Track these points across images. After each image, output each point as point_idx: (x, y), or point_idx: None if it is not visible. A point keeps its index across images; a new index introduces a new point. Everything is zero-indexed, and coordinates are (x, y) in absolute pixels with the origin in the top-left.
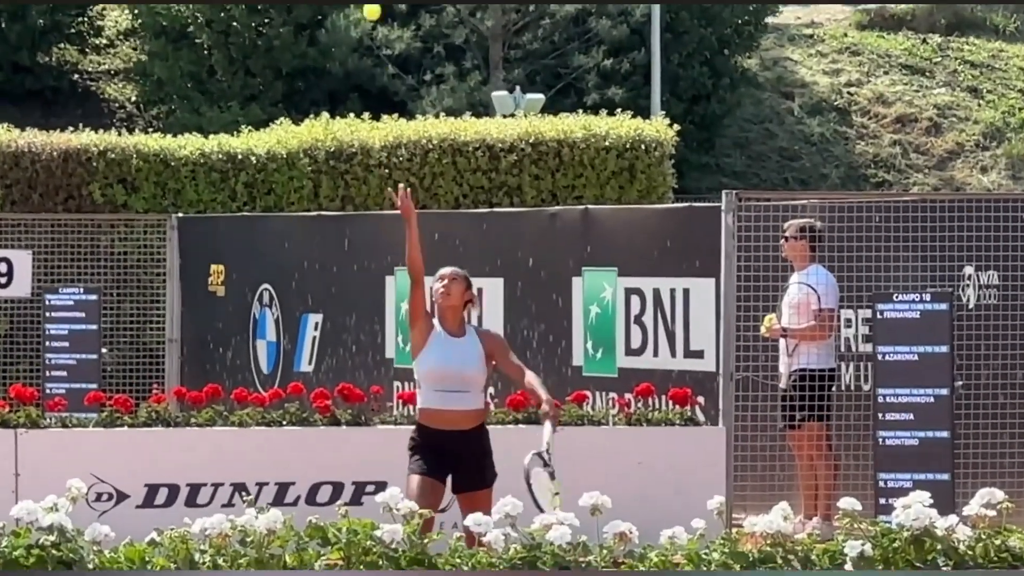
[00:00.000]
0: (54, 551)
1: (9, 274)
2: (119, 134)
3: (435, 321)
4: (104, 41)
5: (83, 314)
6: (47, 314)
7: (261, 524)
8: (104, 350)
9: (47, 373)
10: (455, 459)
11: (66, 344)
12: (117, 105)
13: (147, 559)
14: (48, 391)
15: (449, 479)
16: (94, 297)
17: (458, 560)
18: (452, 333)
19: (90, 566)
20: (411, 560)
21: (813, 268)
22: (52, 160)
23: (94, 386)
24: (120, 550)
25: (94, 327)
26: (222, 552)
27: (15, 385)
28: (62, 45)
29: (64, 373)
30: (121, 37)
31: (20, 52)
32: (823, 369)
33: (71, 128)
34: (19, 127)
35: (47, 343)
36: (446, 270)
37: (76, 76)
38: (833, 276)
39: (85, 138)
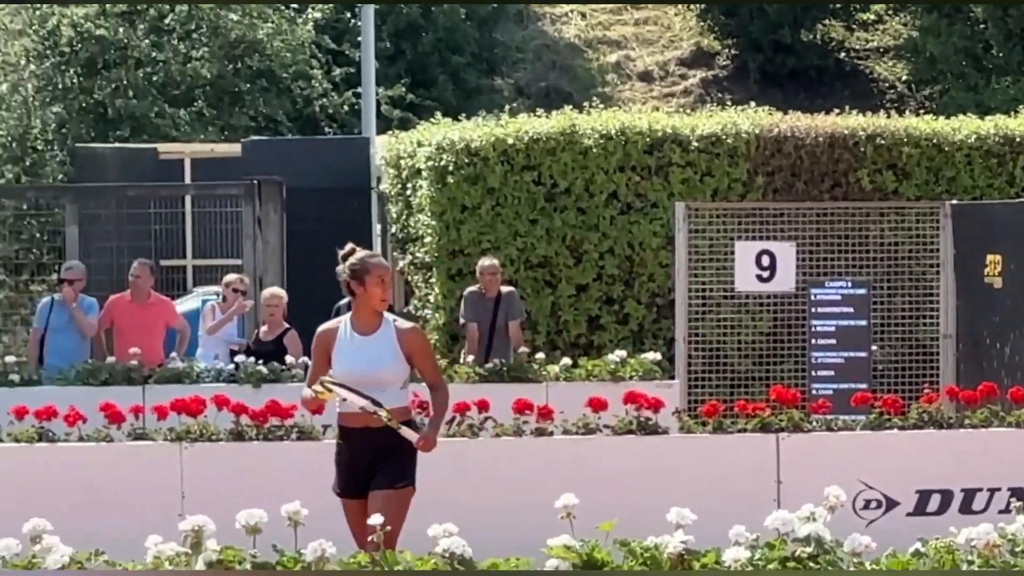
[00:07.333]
0: (811, 563)
1: (772, 267)
2: (888, 116)
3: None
4: (872, 16)
5: (851, 309)
6: (812, 309)
7: None
8: (874, 347)
9: (813, 373)
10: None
11: (833, 341)
12: (887, 85)
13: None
14: (813, 392)
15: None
16: (863, 291)
17: None
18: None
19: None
20: None
21: None
22: (817, 145)
23: (863, 386)
24: (882, 561)
25: (863, 323)
26: (991, 563)
27: (776, 387)
28: (827, 21)
29: (831, 372)
30: (890, 12)
31: (781, 30)
32: None
33: (836, 110)
34: (782, 110)
35: (813, 340)
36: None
37: (842, 54)
38: None
39: (852, 121)
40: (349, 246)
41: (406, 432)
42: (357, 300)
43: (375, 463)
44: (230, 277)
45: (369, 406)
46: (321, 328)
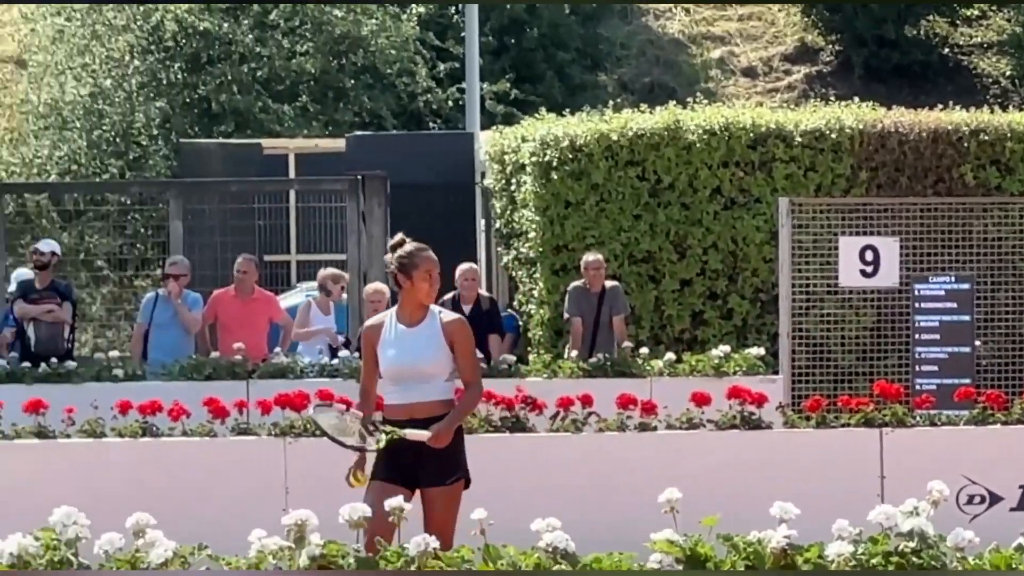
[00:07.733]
0: (914, 558)
1: (875, 263)
2: (991, 112)
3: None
4: (976, 12)
5: (955, 304)
6: (916, 305)
7: None
8: (978, 343)
9: (916, 368)
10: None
11: (936, 337)
12: (990, 80)
13: (1013, 565)
14: (917, 387)
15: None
16: (966, 286)
17: None
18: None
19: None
20: None
21: None
22: (920, 141)
23: (967, 381)
24: (985, 556)
25: (967, 318)
26: None
27: (879, 381)
28: (931, 17)
29: (935, 368)
30: (994, 8)
31: (885, 25)
32: None
33: (940, 106)
34: (885, 105)
35: (916, 336)
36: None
37: (946, 50)
38: None
39: (956, 116)
40: (399, 236)
41: (412, 434)
42: (403, 293)
43: (421, 454)
44: (326, 272)
45: (359, 442)
46: (367, 323)
